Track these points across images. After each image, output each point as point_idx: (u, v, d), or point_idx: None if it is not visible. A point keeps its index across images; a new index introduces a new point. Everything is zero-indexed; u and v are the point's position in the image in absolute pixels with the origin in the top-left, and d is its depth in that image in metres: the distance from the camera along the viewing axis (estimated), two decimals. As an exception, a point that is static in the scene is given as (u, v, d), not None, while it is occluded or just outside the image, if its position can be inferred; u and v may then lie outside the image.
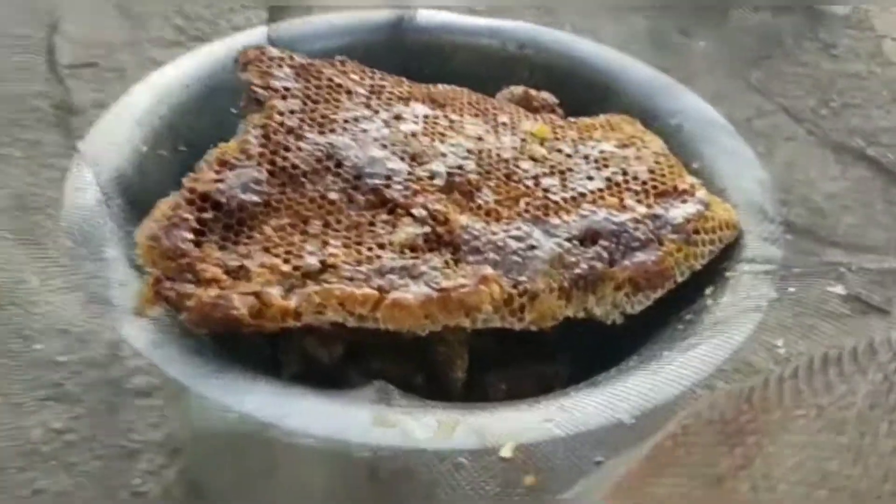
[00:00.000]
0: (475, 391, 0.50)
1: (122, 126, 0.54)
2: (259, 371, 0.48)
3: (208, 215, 0.44)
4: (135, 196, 0.53)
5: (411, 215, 0.47)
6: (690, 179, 0.53)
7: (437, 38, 0.67)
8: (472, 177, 0.50)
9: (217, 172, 0.45)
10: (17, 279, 0.43)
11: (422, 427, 0.41)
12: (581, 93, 0.64)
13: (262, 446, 0.44)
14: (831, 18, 1.14)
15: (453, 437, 0.41)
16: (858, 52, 1.09)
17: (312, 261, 0.44)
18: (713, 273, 0.50)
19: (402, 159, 0.49)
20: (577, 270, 0.47)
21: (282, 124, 0.48)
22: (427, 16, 0.68)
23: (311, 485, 0.46)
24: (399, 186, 0.48)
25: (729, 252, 0.51)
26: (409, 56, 0.67)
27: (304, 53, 0.64)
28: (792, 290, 0.44)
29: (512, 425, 0.41)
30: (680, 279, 0.50)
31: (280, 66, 0.51)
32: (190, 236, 0.43)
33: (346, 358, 0.48)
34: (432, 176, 0.49)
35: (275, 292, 0.42)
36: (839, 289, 0.44)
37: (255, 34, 0.63)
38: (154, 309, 0.43)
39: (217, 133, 0.58)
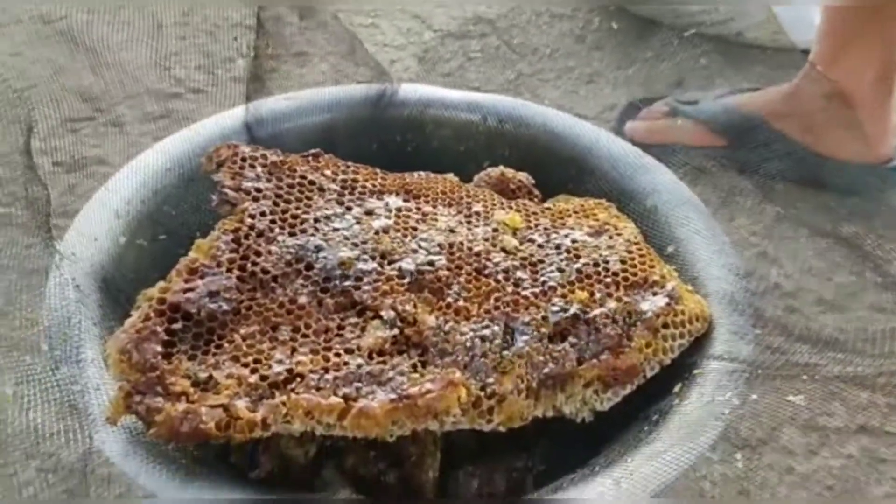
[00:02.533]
0: (448, 485, 0.50)
1: (100, 219, 0.55)
2: (234, 470, 0.49)
3: (178, 326, 0.45)
4: (114, 289, 0.54)
5: (380, 317, 0.47)
6: (661, 270, 0.54)
7: (419, 112, 0.68)
8: (443, 273, 0.51)
9: (187, 282, 0.46)
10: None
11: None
12: (559, 169, 0.65)
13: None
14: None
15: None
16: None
17: (280, 370, 0.44)
18: (682, 368, 0.50)
19: (373, 258, 0.50)
20: (546, 370, 0.48)
21: (252, 227, 0.49)
22: (409, 90, 0.69)
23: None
24: (368, 287, 0.48)
25: (699, 345, 0.51)
26: (391, 131, 0.68)
27: (286, 130, 0.65)
28: (754, 397, 0.44)
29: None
30: (649, 374, 0.50)
31: (252, 165, 0.52)
32: (159, 349, 0.44)
33: (321, 455, 0.49)
34: (402, 275, 0.50)
35: (242, 405, 0.43)
36: (800, 398, 0.44)
37: (238, 115, 0.64)
38: (125, 417, 0.44)
39: (196, 219, 0.59)
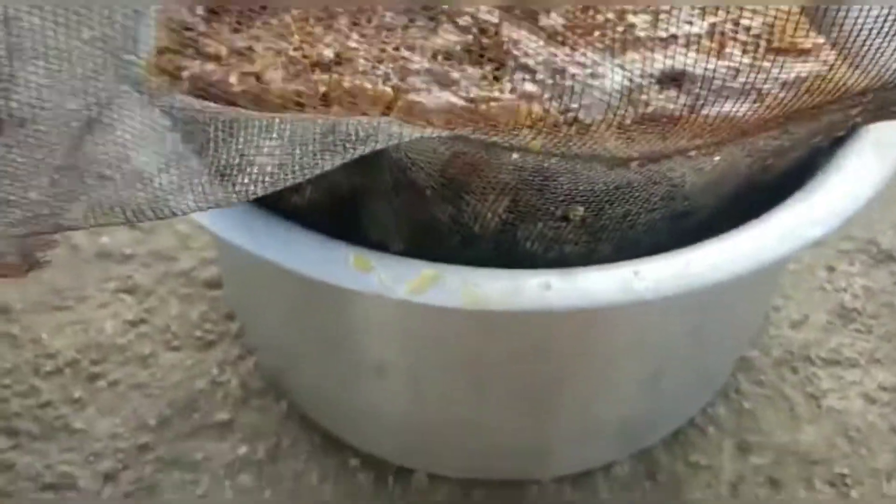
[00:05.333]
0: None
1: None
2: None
3: (227, -6, 0.40)
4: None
5: (454, 23, 0.40)
6: (818, 39, 0.43)
7: None
8: (541, -1, 0.43)
9: (244, -50, 0.41)
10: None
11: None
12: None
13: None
14: None
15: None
16: None
17: (327, 51, 0.38)
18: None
19: (460, -29, 0.43)
20: (647, 110, 0.39)
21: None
22: None
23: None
24: (447, -6, 0.41)
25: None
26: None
27: None
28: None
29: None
30: (779, 138, 0.40)
31: None
32: (201, 12, 0.39)
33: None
34: (491, -9, 0.42)
35: (276, 76, 0.37)
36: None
37: None
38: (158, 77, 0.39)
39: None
